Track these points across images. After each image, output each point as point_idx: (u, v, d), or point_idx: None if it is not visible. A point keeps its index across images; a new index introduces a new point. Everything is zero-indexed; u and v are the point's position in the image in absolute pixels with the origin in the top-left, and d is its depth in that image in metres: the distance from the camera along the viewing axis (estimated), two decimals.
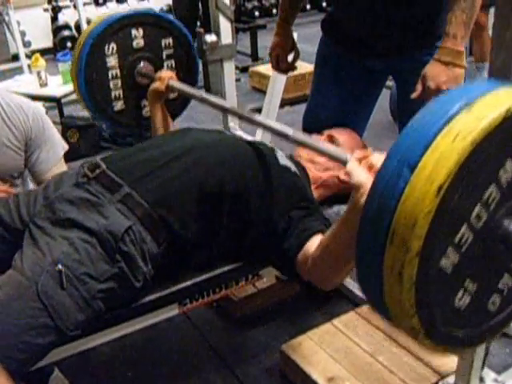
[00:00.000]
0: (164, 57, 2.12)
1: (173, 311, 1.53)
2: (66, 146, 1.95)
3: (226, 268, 1.54)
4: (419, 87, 1.68)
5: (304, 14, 7.18)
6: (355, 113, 2.08)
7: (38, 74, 4.04)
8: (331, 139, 1.76)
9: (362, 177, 1.11)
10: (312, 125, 2.06)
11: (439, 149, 0.81)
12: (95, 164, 1.50)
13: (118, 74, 2.05)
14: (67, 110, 4.33)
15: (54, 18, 6.64)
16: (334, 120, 1.93)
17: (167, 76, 1.91)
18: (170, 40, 2.11)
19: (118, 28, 2.00)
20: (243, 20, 6.33)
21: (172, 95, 2.05)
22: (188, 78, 2.08)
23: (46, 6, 6.45)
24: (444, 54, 1.64)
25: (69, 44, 6.36)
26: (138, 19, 2.04)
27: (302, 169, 1.69)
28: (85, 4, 5.31)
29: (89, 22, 4.84)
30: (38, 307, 1.22)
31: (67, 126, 3.94)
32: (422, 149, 0.82)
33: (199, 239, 1.47)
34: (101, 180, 1.46)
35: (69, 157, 1.97)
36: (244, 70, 5.40)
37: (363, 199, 1.04)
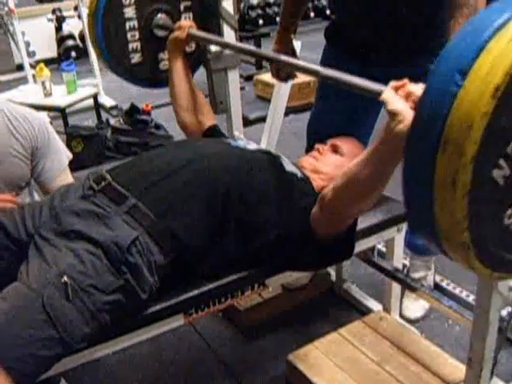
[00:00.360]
0: (182, 9, 2.09)
1: (178, 321, 1.52)
2: (70, 155, 1.97)
3: (231, 277, 1.54)
4: None
5: (307, 22, 7.21)
6: (359, 121, 2.07)
7: (43, 83, 4.06)
8: (335, 148, 1.75)
9: (399, 105, 1.10)
10: (316, 133, 2.06)
11: (494, 51, 0.80)
12: (101, 176, 1.50)
13: (136, 25, 2.00)
14: (72, 120, 4.35)
15: (59, 28, 6.68)
16: (338, 129, 1.92)
17: (187, 25, 1.91)
18: None
19: None
20: (247, 28, 6.37)
21: (188, 49, 2.03)
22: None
23: (51, 16, 6.49)
24: None
25: (73, 54, 6.39)
26: None
27: (307, 178, 1.68)
28: None
29: None
30: (44, 319, 1.21)
31: (72, 136, 3.96)
32: (476, 52, 0.82)
33: (206, 248, 1.46)
34: (107, 192, 1.45)
35: (73, 166, 1.98)
36: (248, 78, 5.40)
37: (400, 126, 1.05)
